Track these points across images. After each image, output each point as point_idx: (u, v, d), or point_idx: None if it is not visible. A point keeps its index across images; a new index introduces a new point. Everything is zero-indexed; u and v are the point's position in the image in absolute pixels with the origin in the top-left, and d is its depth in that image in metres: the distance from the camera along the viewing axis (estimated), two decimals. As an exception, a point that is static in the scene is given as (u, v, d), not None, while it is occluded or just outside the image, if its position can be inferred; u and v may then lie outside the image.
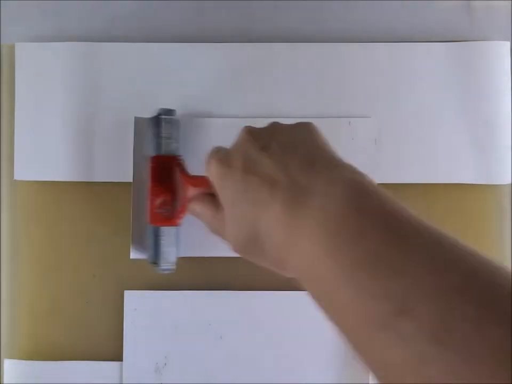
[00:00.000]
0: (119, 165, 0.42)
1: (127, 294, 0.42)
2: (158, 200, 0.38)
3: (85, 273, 0.43)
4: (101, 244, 0.43)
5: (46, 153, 0.42)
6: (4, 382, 0.42)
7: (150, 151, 0.40)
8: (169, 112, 0.40)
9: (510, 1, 0.44)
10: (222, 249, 0.41)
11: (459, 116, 0.43)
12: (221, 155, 0.31)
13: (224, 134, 0.42)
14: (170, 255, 0.39)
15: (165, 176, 0.38)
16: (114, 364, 0.42)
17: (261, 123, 0.42)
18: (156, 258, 0.39)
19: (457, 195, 0.43)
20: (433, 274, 0.21)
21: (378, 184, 0.42)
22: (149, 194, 0.39)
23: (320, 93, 0.43)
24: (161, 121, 0.40)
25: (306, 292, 0.26)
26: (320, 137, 0.30)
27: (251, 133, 0.31)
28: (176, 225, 0.39)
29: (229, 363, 0.41)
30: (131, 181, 0.42)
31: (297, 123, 0.31)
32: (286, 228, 0.26)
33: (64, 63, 0.43)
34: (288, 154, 0.28)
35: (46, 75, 0.43)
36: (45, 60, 0.43)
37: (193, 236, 0.41)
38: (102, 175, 0.42)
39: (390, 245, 0.22)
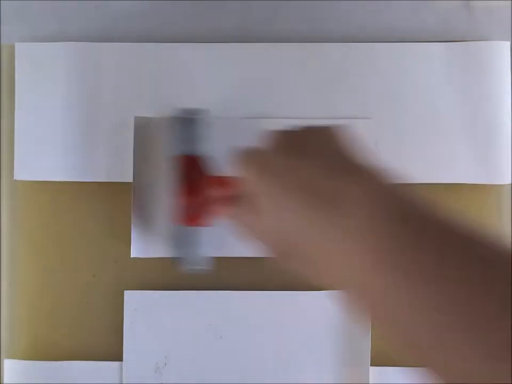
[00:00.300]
0: (119, 165, 0.42)
1: (127, 294, 0.42)
2: (185, 200, 0.38)
3: (85, 273, 0.43)
4: (101, 244, 0.43)
5: (46, 153, 0.42)
6: (4, 382, 0.42)
7: (174, 151, 0.40)
8: (193, 111, 0.40)
9: (510, 1, 0.44)
10: (223, 249, 0.42)
11: (459, 116, 0.43)
12: (259, 158, 0.31)
13: (224, 134, 0.42)
14: (197, 255, 0.39)
15: (192, 177, 0.38)
16: (114, 364, 0.42)
17: (261, 124, 0.42)
18: (181, 258, 0.39)
19: (457, 195, 0.43)
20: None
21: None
22: (176, 195, 0.39)
23: (320, 94, 0.43)
24: (186, 121, 0.39)
25: (349, 300, 0.26)
26: (350, 143, 0.30)
27: (286, 137, 0.31)
28: (203, 226, 0.39)
29: (229, 363, 0.41)
30: (131, 181, 0.42)
31: (323, 127, 0.31)
32: (331, 239, 0.26)
33: (64, 63, 0.43)
34: (327, 162, 0.28)
35: (46, 75, 0.43)
36: (45, 60, 0.43)
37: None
38: (102, 175, 0.42)
39: (446, 255, 0.22)
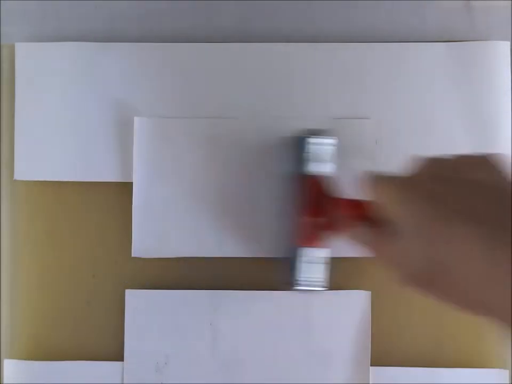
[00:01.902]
0: (119, 165, 0.42)
1: (128, 293, 0.42)
2: (307, 221, 0.37)
3: (85, 273, 0.43)
4: (101, 244, 0.43)
5: (46, 153, 0.42)
6: (4, 382, 0.42)
7: (299, 170, 0.39)
8: (319, 132, 0.39)
9: (510, 1, 0.44)
10: (223, 249, 0.42)
11: (459, 115, 0.43)
12: (398, 184, 0.30)
13: (224, 134, 0.42)
14: (315, 276, 0.38)
15: (316, 197, 0.37)
16: (115, 364, 0.42)
17: (261, 123, 0.42)
18: (299, 278, 0.38)
19: (457, 195, 0.43)
20: None
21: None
22: (299, 215, 0.37)
23: (320, 94, 0.43)
24: (309, 142, 0.38)
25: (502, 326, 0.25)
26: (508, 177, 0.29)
27: (433, 163, 0.30)
28: (324, 247, 0.38)
29: (229, 363, 0.41)
30: (131, 181, 0.42)
31: (480, 156, 0.30)
32: (484, 266, 0.24)
33: (64, 63, 0.43)
34: (476, 194, 0.27)
35: (46, 75, 0.43)
36: (45, 60, 0.43)
37: (193, 236, 0.42)
38: (102, 175, 0.42)
39: None
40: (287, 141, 0.42)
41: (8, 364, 0.42)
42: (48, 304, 0.42)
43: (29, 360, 0.42)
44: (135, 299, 0.42)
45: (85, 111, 0.43)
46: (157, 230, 0.42)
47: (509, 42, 0.43)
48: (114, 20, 0.44)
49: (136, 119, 0.42)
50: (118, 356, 0.41)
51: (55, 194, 0.43)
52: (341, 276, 0.42)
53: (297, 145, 0.39)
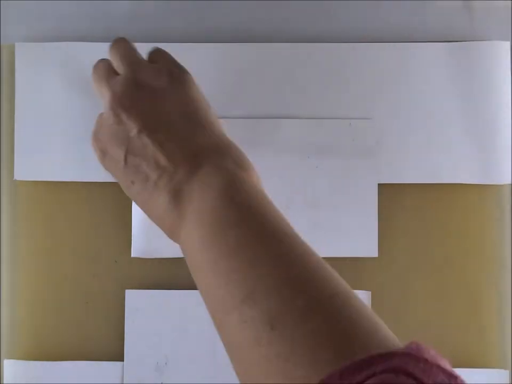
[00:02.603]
0: (119, 165, 0.42)
1: (128, 293, 0.42)
2: None
3: (85, 273, 0.43)
4: (101, 244, 0.43)
5: (46, 153, 0.42)
6: (4, 382, 0.42)
7: None
8: None
9: (510, 1, 0.44)
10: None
11: (459, 116, 0.43)
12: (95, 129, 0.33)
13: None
14: None
15: None
16: (115, 364, 0.42)
17: (261, 124, 0.42)
18: None
19: (457, 195, 0.43)
20: (278, 268, 0.24)
21: (380, 184, 0.42)
22: None
23: (321, 94, 0.43)
24: None
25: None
26: (200, 102, 0.32)
27: (119, 100, 0.32)
28: None
29: (229, 363, 0.41)
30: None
31: (169, 73, 0.33)
32: (172, 215, 0.29)
33: (64, 63, 0.43)
34: (168, 134, 0.30)
35: (46, 75, 0.43)
36: (45, 60, 0.43)
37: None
38: (102, 175, 0.42)
39: (249, 238, 0.26)
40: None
41: (8, 364, 0.42)
42: (48, 304, 0.42)
43: (29, 360, 0.42)
44: (135, 299, 0.42)
45: (85, 111, 0.43)
46: (157, 230, 0.41)
47: (509, 42, 0.43)
48: (115, 20, 0.44)
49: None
50: (118, 356, 0.41)
51: (55, 194, 0.43)
52: (341, 276, 0.42)
53: None
